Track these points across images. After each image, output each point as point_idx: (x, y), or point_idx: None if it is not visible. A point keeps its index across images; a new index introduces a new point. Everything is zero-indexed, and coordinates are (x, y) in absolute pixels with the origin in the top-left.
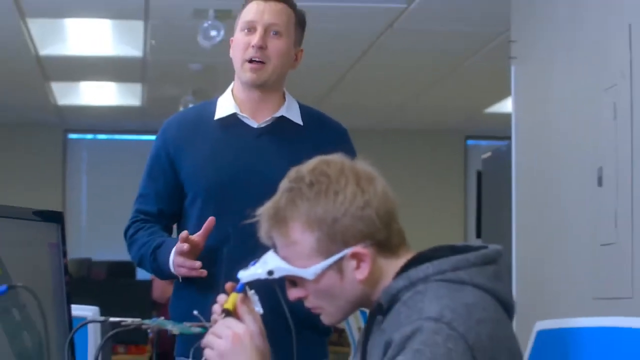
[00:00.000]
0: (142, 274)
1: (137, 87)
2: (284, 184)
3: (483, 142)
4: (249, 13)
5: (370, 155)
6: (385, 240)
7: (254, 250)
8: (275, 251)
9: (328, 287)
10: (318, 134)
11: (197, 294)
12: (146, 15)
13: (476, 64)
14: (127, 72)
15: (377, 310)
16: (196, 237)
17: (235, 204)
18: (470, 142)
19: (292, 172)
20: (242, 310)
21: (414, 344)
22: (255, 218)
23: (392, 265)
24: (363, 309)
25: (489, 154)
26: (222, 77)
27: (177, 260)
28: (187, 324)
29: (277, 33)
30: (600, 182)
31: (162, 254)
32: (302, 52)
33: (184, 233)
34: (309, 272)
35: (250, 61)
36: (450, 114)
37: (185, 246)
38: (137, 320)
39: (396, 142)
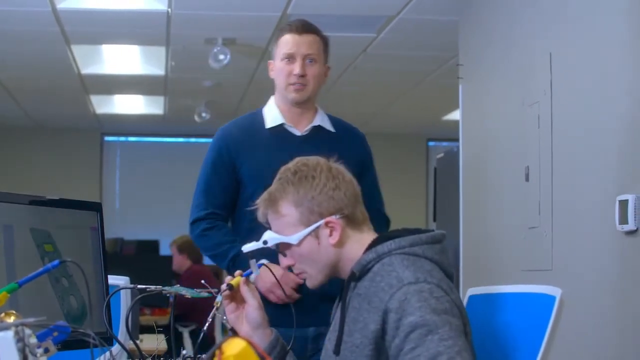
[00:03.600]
0: (164, 250)
1: (160, 99)
2: (275, 178)
3: (444, 143)
4: (287, 45)
5: None
6: (351, 215)
7: None
8: (270, 229)
9: (308, 250)
10: (347, 138)
11: None
12: (167, 42)
13: (434, 81)
14: (152, 87)
15: (351, 278)
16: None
17: None
18: (431, 143)
19: (281, 169)
20: (244, 289)
21: (412, 304)
22: (255, 206)
23: (357, 237)
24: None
25: (442, 154)
26: (228, 91)
27: (272, 288)
28: (197, 290)
29: (312, 60)
30: (527, 178)
31: (242, 265)
32: (329, 68)
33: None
34: (294, 238)
35: (293, 84)
36: (414, 120)
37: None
38: (159, 287)
39: (371, 143)
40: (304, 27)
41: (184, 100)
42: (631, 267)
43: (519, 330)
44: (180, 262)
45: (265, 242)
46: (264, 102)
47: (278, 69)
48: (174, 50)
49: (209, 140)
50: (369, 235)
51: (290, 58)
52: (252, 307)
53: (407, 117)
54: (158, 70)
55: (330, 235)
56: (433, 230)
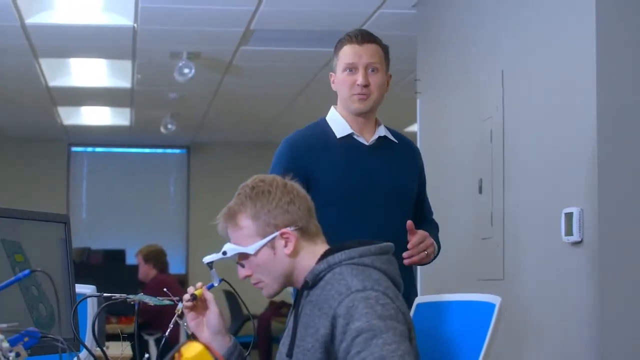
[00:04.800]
0: (131, 260)
1: (126, 111)
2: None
3: None
4: (348, 56)
5: None
6: (305, 228)
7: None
8: (230, 241)
9: (265, 260)
10: (408, 150)
11: None
12: (133, 56)
13: (395, 94)
14: (118, 99)
15: (304, 286)
16: None
17: (363, 206)
18: None
19: (240, 186)
20: (209, 296)
21: (359, 310)
22: (216, 221)
23: (310, 249)
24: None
25: None
26: (193, 103)
27: None
28: (160, 298)
29: (374, 70)
30: (480, 190)
31: None
32: (391, 76)
33: None
34: (251, 248)
35: (357, 94)
36: None
37: None
38: (124, 295)
39: None
40: (364, 37)
41: (150, 112)
42: (575, 276)
43: (462, 336)
44: (146, 271)
45: (224, 253)
46: (228, 113)
47: (340, 80)
48: (140, 63)
49: (175, 150)
50: (321, 247)
51: (352, 69)
52: (214, 314)
53: None
54: (124, 83)
55: (285, 246)
56: (381, 243)
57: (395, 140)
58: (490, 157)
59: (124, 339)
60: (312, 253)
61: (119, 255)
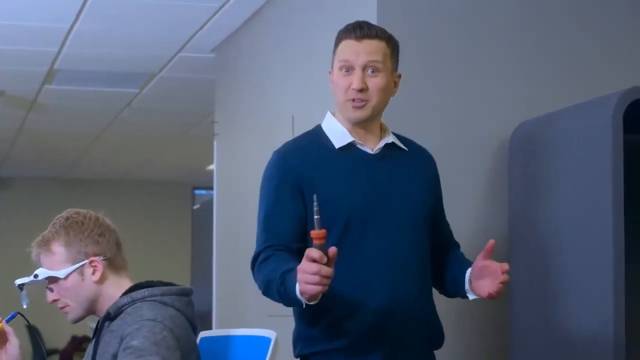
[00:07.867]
0: None
1: None
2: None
3: (211, 191)
4: (344, 52)
5: (117, 200)
6: (112, 259)
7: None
8: (42, 267)
9: (73, 284)
10: (421, 158)
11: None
12: None
13: (197, 133)
14: None
15: (106, 317)
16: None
17: (371, 226)
18: (197, 191)
19: (56, 217)
20: (8, 329)
21: (141, 333)
22: (30, 248)
23: (115, 280)
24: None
25: (198, 205)
26: None
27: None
28: None
29: (374, 70)
30: None
31: (290, 278)
32: (400, 76)
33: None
34: (62, 272)
35: (352, 100)
36: (181, 169)
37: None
38: None
39: (138, 191)
40: (364, 31)
41: None
42: None
43: None
44: None
45: (36, 276)
46: (34, 149)
47: (335, 81)
48: None
49: None
50: (126, 281)
51: (348, 68)
52: (14, 345)
53: (173, 166)
54: None
55: (93, 273)
56: (184, 286)
57: (405, 148)
58: None
59: None
60: (116, 284)
61: None
